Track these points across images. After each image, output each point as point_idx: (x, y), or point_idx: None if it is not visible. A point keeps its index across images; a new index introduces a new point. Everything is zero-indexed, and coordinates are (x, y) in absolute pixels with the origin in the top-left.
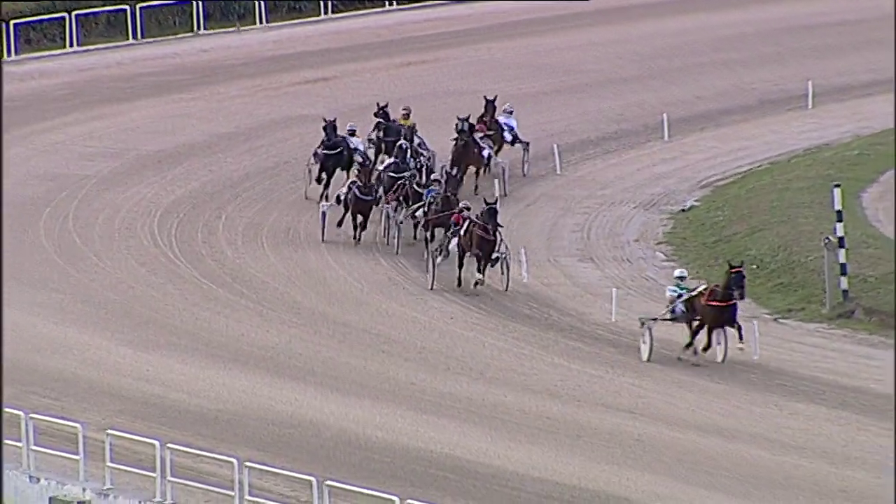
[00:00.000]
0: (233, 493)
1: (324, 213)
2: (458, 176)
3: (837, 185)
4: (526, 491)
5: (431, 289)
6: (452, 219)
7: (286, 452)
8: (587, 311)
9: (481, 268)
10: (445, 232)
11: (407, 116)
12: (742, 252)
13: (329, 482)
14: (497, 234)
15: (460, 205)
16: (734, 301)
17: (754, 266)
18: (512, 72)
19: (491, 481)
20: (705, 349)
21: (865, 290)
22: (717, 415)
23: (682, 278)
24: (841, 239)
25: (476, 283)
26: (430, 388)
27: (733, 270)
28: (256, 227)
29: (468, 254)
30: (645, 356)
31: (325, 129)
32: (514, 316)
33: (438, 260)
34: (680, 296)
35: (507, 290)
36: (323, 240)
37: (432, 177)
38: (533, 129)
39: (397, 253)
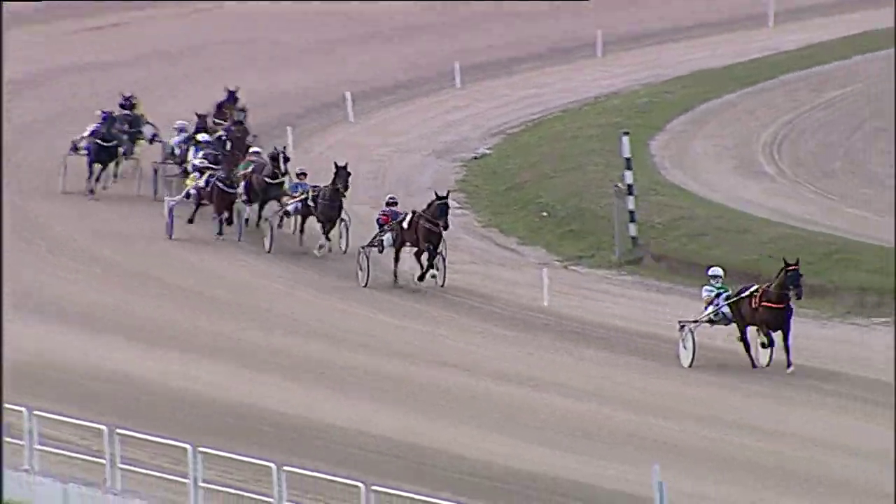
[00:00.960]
0: None
1: (171, 209)
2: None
3: (626, 133)
4: (368, 449)
5: (365, 286)
6: (380, 219)
7: (92, 405)
8: (403, 270)
9: (432, 261)
10: (323, 227)
11: (130, 107)
12: (533, 199)
13: (119, 430)
14: (446, 227)
15: (387, 198)
16: (790, 302)
17: (545, 213)
18: (304, 20)
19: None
20: (746, 349)
21: (653, 237)
22: (510, 362)
23: (717, 277)
24: (630, 186)
25: (433, 276)
26: (265, 345)
27: (790, 268)
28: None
29: (407, 246)
30: (686, 363)
31: (104, 119)
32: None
33: (371, 254)
34: (718, 295)
35: (443, 285)
36: (171, 237)
37: (299, 169)
38: (326, 77)
39: (269, 251)
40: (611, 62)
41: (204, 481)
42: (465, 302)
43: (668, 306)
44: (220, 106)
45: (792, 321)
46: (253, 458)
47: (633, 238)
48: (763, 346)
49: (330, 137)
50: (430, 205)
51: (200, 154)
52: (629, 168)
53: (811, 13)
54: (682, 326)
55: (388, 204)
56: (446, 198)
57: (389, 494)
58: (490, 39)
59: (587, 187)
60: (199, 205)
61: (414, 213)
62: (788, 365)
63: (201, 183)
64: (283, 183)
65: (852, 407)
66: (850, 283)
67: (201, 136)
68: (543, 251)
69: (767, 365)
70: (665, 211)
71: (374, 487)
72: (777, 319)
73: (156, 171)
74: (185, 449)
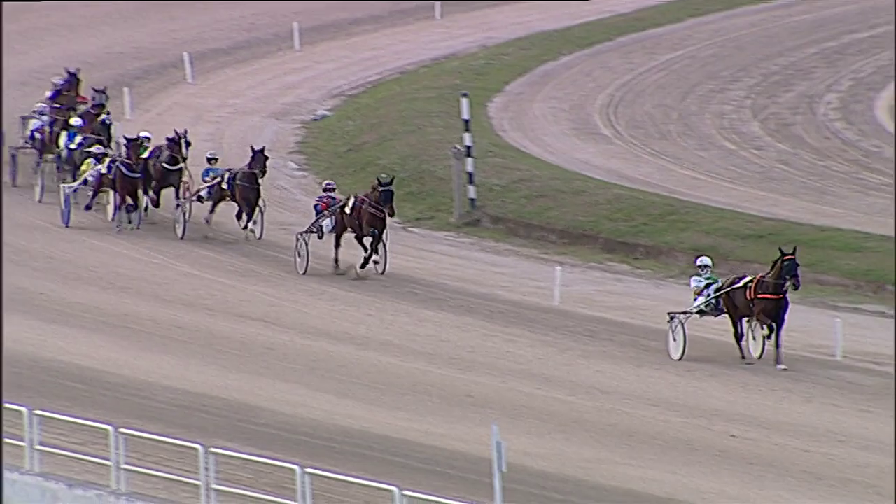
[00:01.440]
0: None
1: (67, 197)
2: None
3: (465, 95)
4: (157, 400)
5: (304, 273)
6: (318, 205)
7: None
8: (220, 221)
9: (375, 245)
10: (241, 210)
11: None
12: (373, 161)
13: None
14: (391, 213)
15: (325, 184)
16: (786, 293)
17: (384, 175)
18: None
19: (121, 391)
20: (737, 340)
21: (491, 199)
22: (349, 323)
23: (705, 267)
24: (468, 148)
25: (375, 263)
26: (59, 298)
27: (786, 258)
28: None
29: (348, 231)
30: (677, 355)
31: None
32: (148, 229)
33: (309, 240)
34: (708, 286)
35: (383, 272)
36: (68, 224)
37: (210, 153)
38: (163, 36)
39: (182, 238)
40: (449, 24)
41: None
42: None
43: (505, 267)
44: (58, 91)
45: (787, 313)
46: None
47: (472, 200)
48: (766, 338)
49: (167, 99)
50: (373, 189)
51: (77, 139)
52: (468, 130)
53: None
54: (672, 318)
55: (325, 190)
56: (391, 183)
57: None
58: (328, 1)
59: (426, 149)
60: (97, 191)
61: (356, 197)
62: (778, 362)
63: (103, 169)
64: (181, 168)
65: (679, 366)
66: (684, 245)
67: (75, 121)
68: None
69: (759, 357)
70: (503, 173)
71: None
72: (774, 311)
73: (14, 157)
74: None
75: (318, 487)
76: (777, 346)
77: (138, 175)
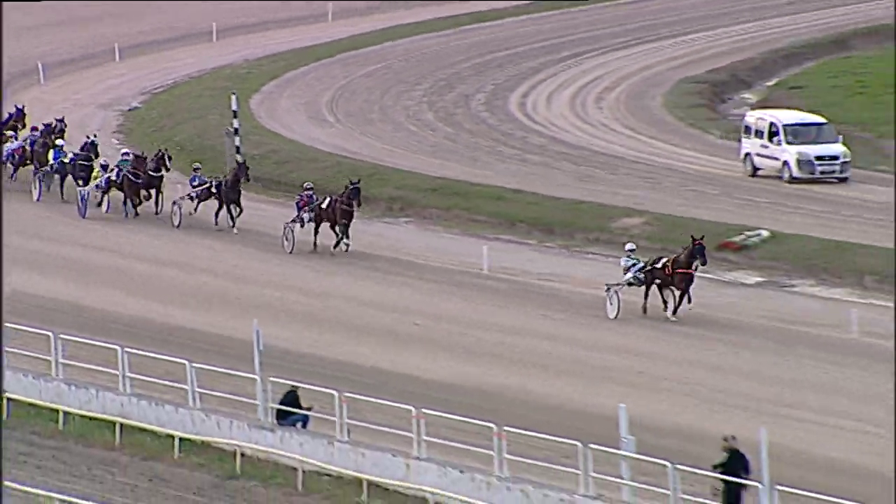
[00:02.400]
0: None
1: (84, 196)
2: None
3: (234, 93)
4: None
5: (291, 252)
6: (298, 202)
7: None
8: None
9: (346, 232)
10: (228, 209)
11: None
12: (170, 138)
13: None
14: (359, 205)
15: (305, 185)
16: (696, 269)
17: (178, 148)
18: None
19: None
20: (645, 298)
21: (252, 165)
22: (167, 253)
23: (632, 250)
24: (236, 129)
25: (347, 247)
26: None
27: (696, 243)
28: None
29: (325, 222)
30: (612, 315)
31: None
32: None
33: (297, 228)
34: (634, 265)
35: (347, 250)
36: (84, 217)
37: (195, 165)
38: (23, 54)
39: (178, 226)
40: (224, 45)
41: None
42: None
43: (268, 212)
44: (6, 121)
45: (693, 283)
46: None
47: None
48: (671, 301)
49: (27, 95)
50: (345, 189)
51: (70, 155)
52: (236, 117)
53: (354, 13)
54: (608, 288)
55: (305, 189)
56: (358, 183)
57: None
58: (140, 27)
59: (207, 130)
60: (105, 192)
61: (332, 197)
62: (675, 312)
63: (113, 176)
64: (163, 176)
65: (384, 278)
66: (383, 195)
67: (60, 142)
68: (177, 173)
69: (674, 313)
70: (260, 146)
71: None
72: (686, 280)
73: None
74: None
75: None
76: (680, 302)
77: (140, 181)
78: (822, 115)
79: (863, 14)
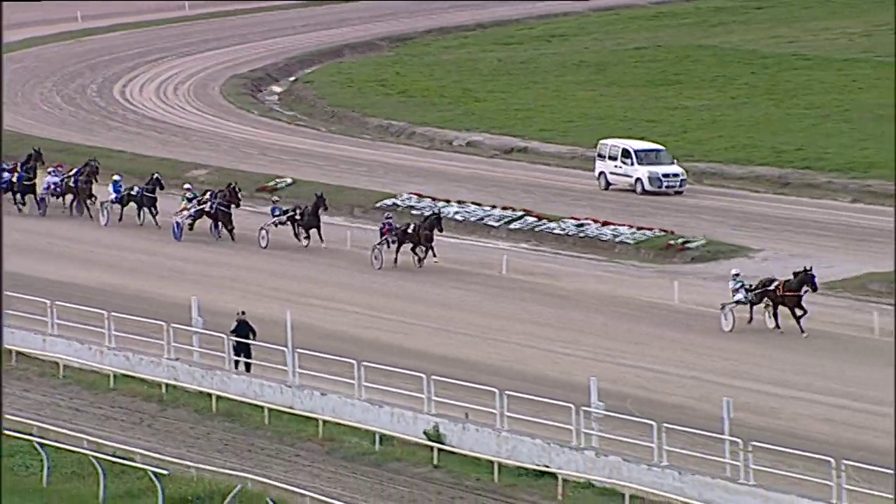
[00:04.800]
0: None
1: (178, 223)
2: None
3: None
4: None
5: (380, 268)
6: (382, 229)
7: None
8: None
9: (427, 253)
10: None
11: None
12: None
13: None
14: (440, 230)
15: (386, 215)
16: (805, 293)
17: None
18: None
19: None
20: (777, 324)
21: None
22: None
23: (737, 275)
24: None
25: (435, 261)
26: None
27: (808, 272)
28: None
29: (406, 243)
30: (728, 329)
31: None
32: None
33: (385, 249)
34: (741, 286)
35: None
36: (179, 240)
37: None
38: None
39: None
40: None
41: None
42: None
43: None
44: (27, 161)
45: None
46: None
47: None
48: (795, 318)
49: None
50: (426, 218)
51: (136, 188)
52: None
53: None
54: (724, 306)
55: (386, 219)
56: (439, 213)
57: None
58: None
59: None
60: (196, 219)
61: (415, 225)
62: (802, 331)
63: (206, 207)
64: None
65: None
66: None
67: (116, 177)
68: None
69: (776, 327)
70: None
71: None
72: (796, 301)
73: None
74: None
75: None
76: (799, 321)
77: (229, 210)
78: (328, 102)
79: (352, 34)
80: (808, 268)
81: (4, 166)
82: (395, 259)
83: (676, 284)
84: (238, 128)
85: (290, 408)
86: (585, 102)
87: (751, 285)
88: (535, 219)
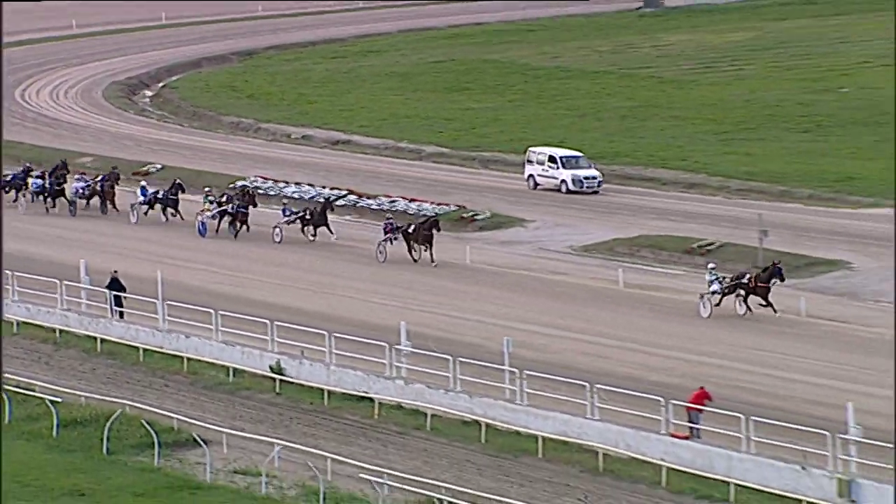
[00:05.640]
0: None
1: (203, 222)
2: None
3: None
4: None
5: (384, 261)
6: (385, 227)
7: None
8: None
9: (430, 250)
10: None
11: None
12: None
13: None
14: (438, 230)
15: (387, 216)
16: (774, 284)
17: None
18: None
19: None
20: (748, 309)
21: None
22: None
23: (713, 269)
24: None
25: (432, 259)
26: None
27: (776, 265)
28: None
29: (411, 241)
30: (706, 314)
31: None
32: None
33: (389, 245)
34: (715, 279)
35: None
36: (204, 236)
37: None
38: None
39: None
40: None
41: None
42: None
43: None
44: (55, 169)
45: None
46: None
47: None
48: (764, 305)
49: None
50: (426, 219)
51: (150, 191)
52: None
53: None
54: (702, 296)
55: (387, 220)
56: (437, 216)
57: None
58: None
59: None
60: (220, 219)
61: (417, 224)
62: (774, 312)
63: (229, 209)
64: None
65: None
66: None
67: (143, 183)
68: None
69: (747, 311)
70: None
71: None
72: (766, 292)
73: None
74: None
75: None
76: (768, 305)
77: (247, 210)
78: (190, 103)
79: (209, 49)
80: (776, 262)
81: (36, 173)
82: (411, 254)
83: (468, 248)
84: (117, 124)
85: (161, 348)
86: (395, 104)
87: (724, 278)
88: (356, 196)
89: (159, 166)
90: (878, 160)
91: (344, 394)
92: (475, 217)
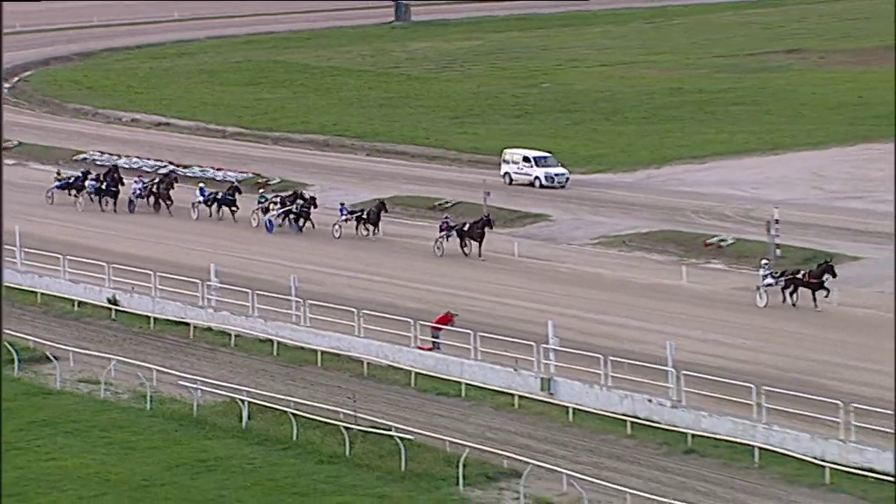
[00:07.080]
0: None
1: (268, 220)
2: None
3: None
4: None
5: (441, 256)
6: (442, 225)
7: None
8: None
9: (480, 246)
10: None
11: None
12: None
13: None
14: (491, 228)
15: (445, 216)
16: (826, 279)
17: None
18: None
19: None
20: (794, 302)
21: None
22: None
23: (766, 263)
24: None
25: (480, 255)
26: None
27: (829, 263)
28: None
29: (465, 237)
30: (762, 304)
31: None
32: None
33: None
34: (770, 273)
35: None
36: (271, 232)
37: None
38: None
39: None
40: None
41: None
42: None
43: None
44: (107, 173)
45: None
46: None
47: None
48: (815, 300)
49: None
50: (479, 219)
51: (207, 191)
52: None
53: None
54: (758, 288)
55: (445, 219)
56: (489, 216)
57: None
58: None
59: None
60: (285, 218)
61: (472, 222)
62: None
63: (293, 208)
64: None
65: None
66: None
67: (201, 185)
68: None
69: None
70: None
71: None
72: (819, 286)
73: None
74: None
75: None
76: (826, 291)
77: (309, 211)
78: (40, 94)
79: (55, 51)
80: (828, 259)
81: (92, 176)
82: (463, 250)
83: (260, 212)
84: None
85: (19, 285)
86: (204, 95)
87: (777, 272)
88: (175, 166)
89: (16, 143)
90: (570, 139)
91: (167, 320)
92: (267, 182)
